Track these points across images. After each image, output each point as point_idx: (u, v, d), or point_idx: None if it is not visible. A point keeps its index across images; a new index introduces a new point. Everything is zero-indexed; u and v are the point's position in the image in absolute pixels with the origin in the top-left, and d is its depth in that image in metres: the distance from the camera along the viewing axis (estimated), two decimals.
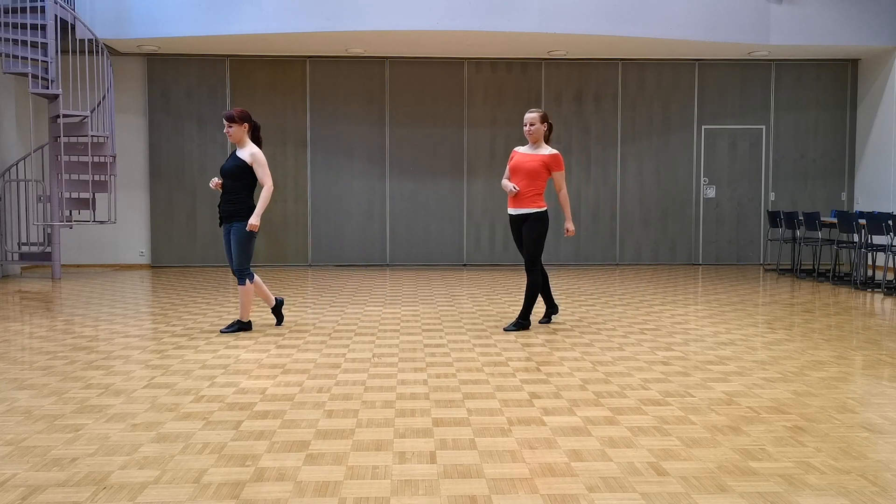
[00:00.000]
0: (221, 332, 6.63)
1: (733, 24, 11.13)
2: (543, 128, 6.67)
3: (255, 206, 6.51)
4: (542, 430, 3.91)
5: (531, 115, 6.66)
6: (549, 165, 6.60)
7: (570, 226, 6.78)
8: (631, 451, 3.59)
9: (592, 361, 5.52)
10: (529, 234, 6.61)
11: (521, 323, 6.80)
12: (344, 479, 3.25)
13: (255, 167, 6.44)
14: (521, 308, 7.04)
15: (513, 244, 12.67)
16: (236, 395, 4.57)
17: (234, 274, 6.57)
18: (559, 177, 6.67)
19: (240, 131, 6.49)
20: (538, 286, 6.73)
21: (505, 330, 6.76)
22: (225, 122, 6.49)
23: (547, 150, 6.66)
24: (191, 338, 6.39)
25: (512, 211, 6.72)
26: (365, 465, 3.40)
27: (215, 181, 6.56)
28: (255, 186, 6.56)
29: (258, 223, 6.44)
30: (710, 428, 3.96)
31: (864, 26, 11.41)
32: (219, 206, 6.57)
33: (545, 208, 6.66)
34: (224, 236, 6.59)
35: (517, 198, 6.64)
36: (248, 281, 6.55)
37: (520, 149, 6.80)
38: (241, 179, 6.44)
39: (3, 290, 9.61)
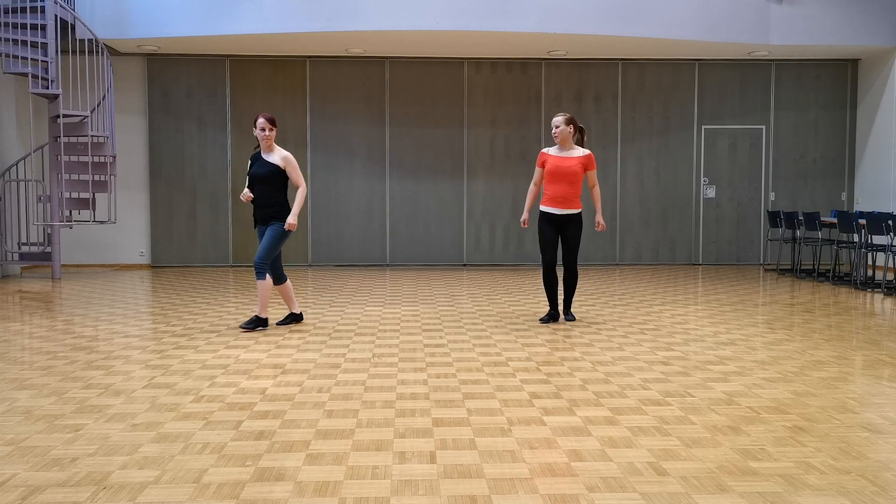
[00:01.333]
0: (242, 327, 6.71)
1: (733, 24, 11.13)
2: (569, 129, 6.97)
3: (290, 207, 6.67)
4: (542, 430, 3.91)
5: (557, 119, 7.00)
6: (585, 165, 6.97)
7: (601, 219, 7.11)
8: (631, 451, 3.59)
9: (592, 361, 5.52)
10: (575, 234, 7.02)
11: (572, 314, 7.30)
12: (344, 479, 3.25)
13: (288, 170, 6.63)
14: (567, 301, 7.29)
15: (513, 243, 12.67)
16: (236, 395, 4.57)
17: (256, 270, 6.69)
18: (593, 175, 7.10)
19: (273, 135, 6.66)
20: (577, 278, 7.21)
21: (568, 320, 7.21)
22: (268, 124, 6.58)
23: (579, 150, 7.01)
24: (191, 338, 6.39)
25: (556, 211, 6.98)
26: (365, 465, 3.40)
27: (246, 194, 6.66)
28: (287, 188, 6.74)
29: (296, 222, 6.51)
30: (710, 428, 3.96)
31: (864, 26, 11.41)
32: (254, 212, 6.72)
33: (582, 209, 7.08)
34: (259, 237, 6.74)
35: (563, 199, 6.93)
36: (267, 276, 6.63)
37: (550, 151, 7.07)
38: (274, 183, 6.62)
39: (3, 290, 9.61)
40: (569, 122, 6.96)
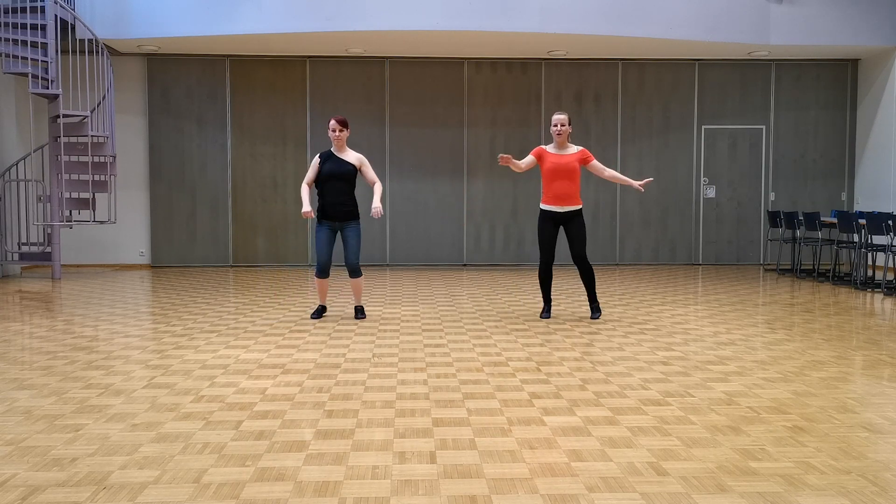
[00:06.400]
0: (360, 318, 7.27)
1: (733, 24, 11.13)
2: (569, 129, 7.17)
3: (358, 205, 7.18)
4: (542, 430, 3.91)
5: (562, 117, 7.15)
6: (583, 160, 7.14)
7: (637, 183, 7.22)
8: (631, 451, 3.59)
9: (592, 361, 5.52)
10: (581, 229, 7.15)
11: (599, 308, 7.42)
12: (344, 479, 3.25)
13: (364, 168, 7.14)
14: (591, 296, 7.39)
15: (513, 243, 12.66)
16: (236, 395, 4.57)
17: (347, 268, 7.20)
18: (597, 163, 7.23)
19: (345, 135, 7.06)
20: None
21: (595, 318, 7.32)
22: (339, 126, 6.99)
23: (574, 147, 7.20)
24: (191, 338, 6.39)
25: (559, 209, 7.14)
26: (365, 465, 3.40)
27: (308, 211, 6.93)
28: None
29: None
30: (710, 428, 3.96)
31: (864, 26, 11.41)
32: (328, 207, 6.99)
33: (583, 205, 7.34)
34: (324, 233, 7.04)
35: (566, 196, 7.08)
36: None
37: (548, 148, 7.21)
38: (351, 182, 7.08)
39: (3, 290, 9.61)
40: (570, 121, 7.19)
